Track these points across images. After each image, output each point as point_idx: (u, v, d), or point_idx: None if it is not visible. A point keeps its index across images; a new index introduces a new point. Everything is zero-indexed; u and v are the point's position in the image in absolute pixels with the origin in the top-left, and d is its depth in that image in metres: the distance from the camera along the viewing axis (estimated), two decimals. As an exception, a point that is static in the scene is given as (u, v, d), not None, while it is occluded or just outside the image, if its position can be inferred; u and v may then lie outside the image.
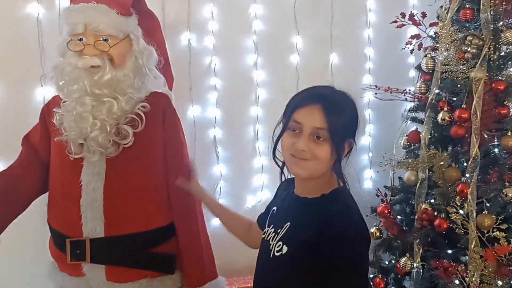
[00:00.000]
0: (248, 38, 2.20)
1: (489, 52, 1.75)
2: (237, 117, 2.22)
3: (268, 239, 1.22)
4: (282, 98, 1.22)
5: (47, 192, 1.57)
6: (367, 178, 2.42)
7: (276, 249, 1.16)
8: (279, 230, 1.19)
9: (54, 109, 1.51)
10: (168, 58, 1.73)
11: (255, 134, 2.24)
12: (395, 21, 1.93)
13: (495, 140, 1.75)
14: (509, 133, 1.69)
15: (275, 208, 1.30)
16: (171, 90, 1.71)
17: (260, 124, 2.22)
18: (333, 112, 1.09)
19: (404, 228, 1.94)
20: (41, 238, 1.62)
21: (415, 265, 1.80)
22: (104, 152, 1.44)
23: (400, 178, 2.04)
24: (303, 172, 1.13)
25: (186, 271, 1.54)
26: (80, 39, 1.44)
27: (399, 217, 2.01)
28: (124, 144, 1.45)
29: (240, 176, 2.23)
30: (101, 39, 1.44)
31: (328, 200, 1.13)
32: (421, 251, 1.80)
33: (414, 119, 2.01)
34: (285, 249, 1.13)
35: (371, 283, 1.94)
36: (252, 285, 1.28)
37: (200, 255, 1.55)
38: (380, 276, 1.93)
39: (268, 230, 1.25)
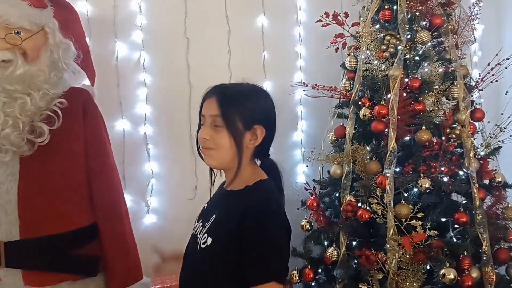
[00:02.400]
0: (180, 35, 2.17)
1: (405, 51, 1.86)
2: (168, 113, 2.19)
3: (196, 233, 1.26)
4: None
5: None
6: (300, 172, 2.48)
7: (202, 241, 1.20)
8: (206, 223, 1.23)
9: None
10: (89, 52, 1.67)
11: (188, 130, 2.21)
12: (320, 20, 1.99)
13: (412, 135, 1.85)
14: (424, 127, 1.80)
15: (206, 204, 1.35)
16: (93, 86, 1.65)
17: (192, 120, 2.20)
18: (225, 100, 1.18)
19: (333, 219, 2.01)
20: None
21: (341, 254, 1.88)
22: (18, 151, 1.38)
23: (329, 172, 2.11)
24: (212, 162, 1.22)
25: (110, 273, 1.51)
26: (-10, 33, 1.36)
27: (329, 209, 2.08)
28: (40, 142, 1.39)
29: (172, 173, 2.20)
30: (13, 32, 1.37)
31: (250, 192, 1.19)
32: (346, 241, 1.87)
33: (340, 115, 2.08)
34: (209, 240, 1.18)
35: (301, 274, 1.99)
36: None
37: (124, 256, 1.52)
38: (309, 267, 1.99)
39: (197, 225, 1.29)
